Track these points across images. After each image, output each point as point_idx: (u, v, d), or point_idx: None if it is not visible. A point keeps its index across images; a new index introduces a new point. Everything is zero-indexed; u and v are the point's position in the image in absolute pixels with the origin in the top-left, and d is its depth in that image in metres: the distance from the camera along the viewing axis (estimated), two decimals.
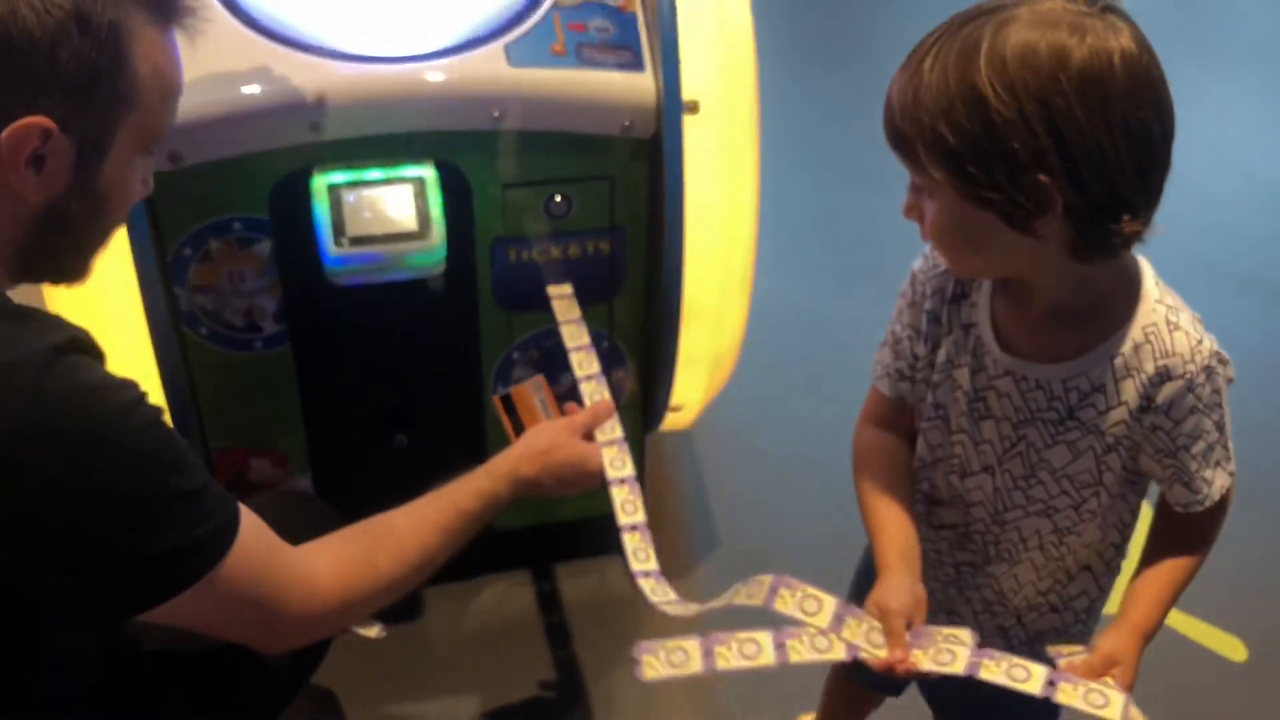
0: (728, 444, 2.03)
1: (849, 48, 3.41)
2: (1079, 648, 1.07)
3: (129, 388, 0.90)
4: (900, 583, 1.04)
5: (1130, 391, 0.99)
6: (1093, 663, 1.01)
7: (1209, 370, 0.98)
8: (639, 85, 1.40)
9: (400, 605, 1.72)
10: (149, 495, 0.89)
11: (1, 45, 0.84)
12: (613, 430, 1.32)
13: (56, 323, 0.90)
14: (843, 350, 2.17)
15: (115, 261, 1.29)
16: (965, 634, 1.01)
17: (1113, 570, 1.16)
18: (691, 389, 1.62)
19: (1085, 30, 0.87)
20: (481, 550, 1.72)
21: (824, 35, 3.48)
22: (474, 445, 1.62)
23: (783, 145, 2.86)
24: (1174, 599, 1.06)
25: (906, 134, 0.91)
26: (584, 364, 1.39)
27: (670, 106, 1.39)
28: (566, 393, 1.41)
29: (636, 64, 1.41)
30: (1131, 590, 1.07)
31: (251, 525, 0.98)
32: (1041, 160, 0.87)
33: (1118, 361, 0.98)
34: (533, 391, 1.36)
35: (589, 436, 1.31)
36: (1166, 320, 0.98)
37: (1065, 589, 1.14)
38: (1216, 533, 1.08)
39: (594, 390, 1.36)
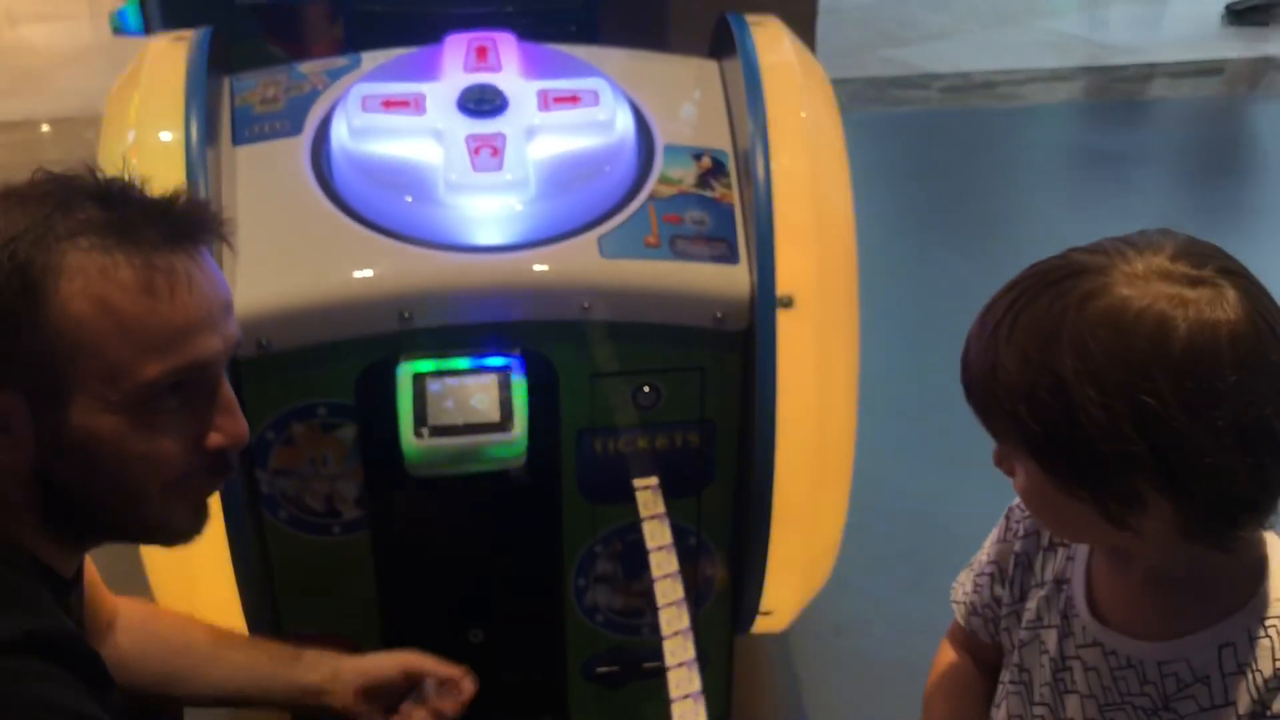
0: (826, 645, 1.91)
1: (956, 221, 3.36)
2: None
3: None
4: None
5: (1241, 692, 0.84)
6: None
7: None
8: (732, 278, 1.36)
9: None
10: None
11: None
12: None
13: (30, 608, 0.78)
14: (955, 543, 2.01)
15: None
16: None
17: None
18: (784, 594, 1.53)
19: (1185, 305, 0.74)
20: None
21: (931, 208, 3.44)
22: (552, 642, 1.54)
23: (888, 321, 2.82)
24: None
25: (986, 405, 0.82)
26: (663, 564, 1.31)
27: (764, 301, 1.34)
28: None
29: (731, 256, 1.38)
30: None
31: None
32: (1134, 464, 0.75)
33: (1227, 652, 0.84)
34: None
35: None
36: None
37: None
38: None
39: (669, 589, 1.28)
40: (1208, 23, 4.65)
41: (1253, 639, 0.84)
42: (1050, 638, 0.94)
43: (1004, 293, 0.82)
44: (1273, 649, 0.83)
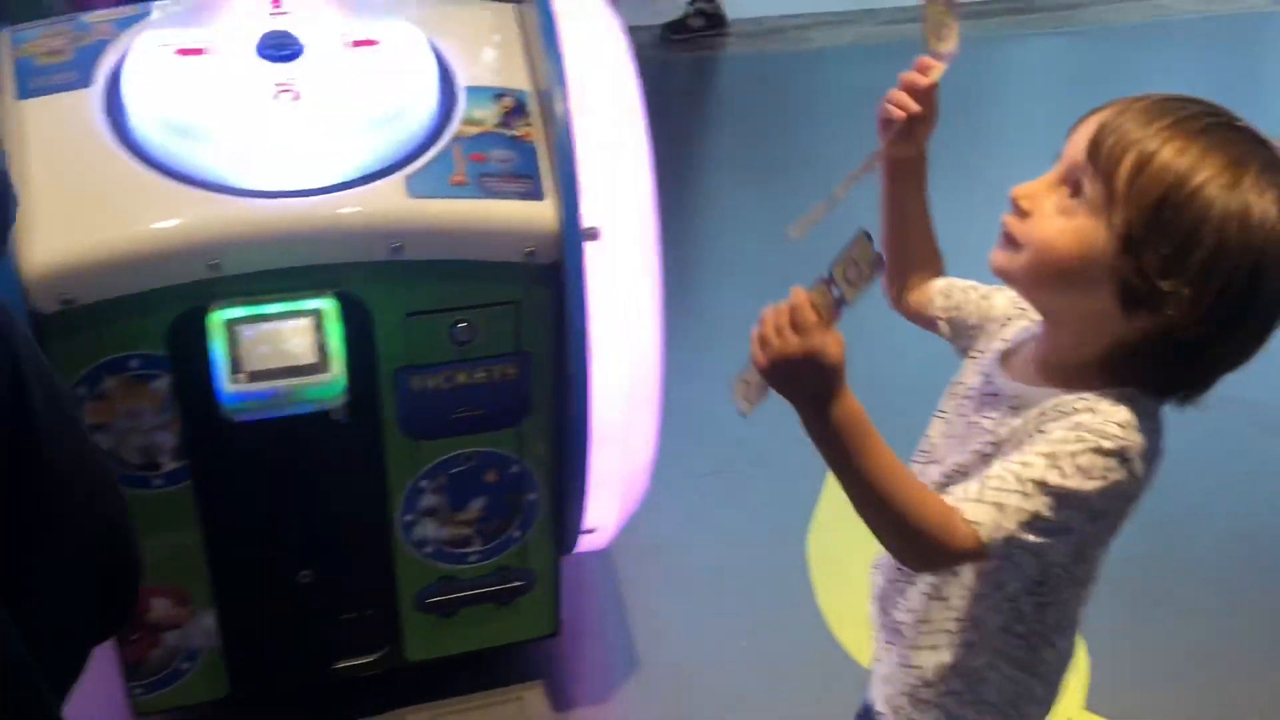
0: (647, 561, 2.01)
1: (754, 161, 3.50)
2: None
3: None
4: None
5: (1031, 426, 0.94)
6: None
7: (1103, 434, 0.88)
8: (539, 213, 1.42)
9: None
10: None
11: None
12: None
13: None
14: (763, 461, 2.17)
15: None
16: None
17: (1022, 673, 1.04)
18: (605, 511, 1.61)
19: None
20: (392, 685, 1.69)
21: (729, 149, 3.57)
22: (382, 577, 1.59)
23: (718, 254, 2.94)
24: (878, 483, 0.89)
25: (1116, 153, 0.87)
26: None
27: (570, 234, 1.40)
28: None
29: (536, 192, 1.43)
30: None
31: None
32: (1182, 281, 0.85)
33: (1050, 406, 0.94)
34: None
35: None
36: (1082, 399, 0.91)
37: (963, 658, 1.04)
38: (942, 560, 0.95)
39: None
40: None
41: (1064, 402, 0.93)
42: (977, 356, 1.06)
43: (1205, 103, 0.89)
44: (1069, 403, 0.92)
